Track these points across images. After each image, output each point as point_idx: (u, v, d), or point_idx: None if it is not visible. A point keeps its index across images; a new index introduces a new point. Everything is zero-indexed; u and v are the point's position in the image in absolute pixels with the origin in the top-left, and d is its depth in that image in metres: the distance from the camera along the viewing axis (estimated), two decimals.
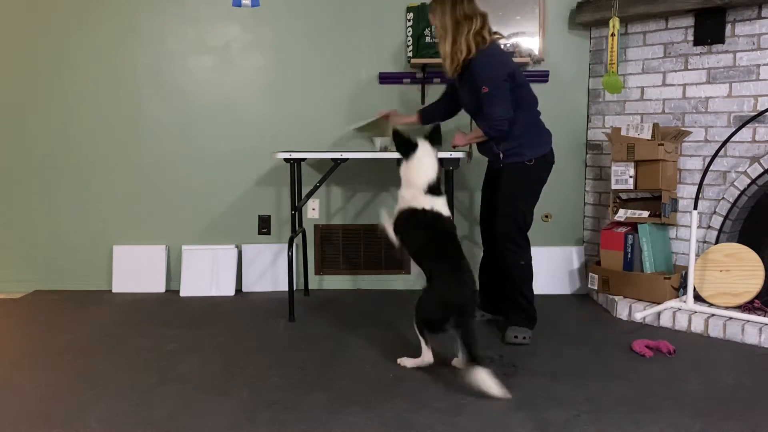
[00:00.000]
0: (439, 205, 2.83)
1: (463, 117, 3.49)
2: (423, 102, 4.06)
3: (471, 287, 2.74)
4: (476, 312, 2.79)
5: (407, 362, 2.81)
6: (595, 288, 3.82)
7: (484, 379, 2.46)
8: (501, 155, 3.17)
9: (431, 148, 2.88)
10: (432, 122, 3.26)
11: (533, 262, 3.23)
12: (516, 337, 3.11)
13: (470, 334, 2.58)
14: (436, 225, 2.80)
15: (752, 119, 3.29)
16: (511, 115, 3.04)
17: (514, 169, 3.15)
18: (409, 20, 3.97)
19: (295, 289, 3.56)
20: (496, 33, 3.15)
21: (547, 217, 4.13)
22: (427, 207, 2.79)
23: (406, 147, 2.86)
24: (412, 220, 2.81)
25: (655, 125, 3.54)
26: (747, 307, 3.27)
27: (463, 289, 2.69)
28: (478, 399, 2.47)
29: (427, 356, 2.77)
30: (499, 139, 3.13)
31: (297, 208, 3.64)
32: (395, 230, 2.88)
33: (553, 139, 3.25)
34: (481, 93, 3.04)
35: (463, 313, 2.63)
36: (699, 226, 3.51)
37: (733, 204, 3.45)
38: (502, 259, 3.20)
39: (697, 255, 3.41)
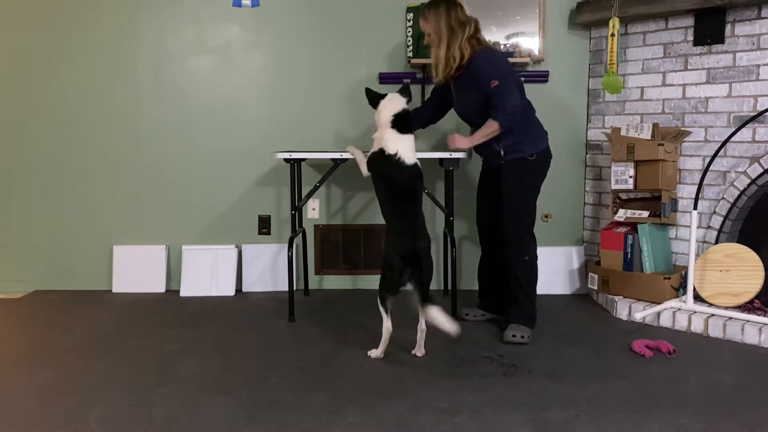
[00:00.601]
0: (405, 147, 2.94)
1: (453, 118, 3.48)
2: (423, 102, 4.05)
3: (423, 241, 2.89)
4: (429, 267, 2.89)
5: (376, 352, 2.91)
6: (595, 288, 3.82)
7: (437, 316, 2.69)
8: (502, 152, 3.16)
9: (400, 95, 3.10)
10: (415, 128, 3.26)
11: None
12: (515, 336, 3.11)
13: (423, 284, 2.78)
14: (399, 177, 2.92)
15: (752, 119, 3.29)
16: (522, 103, 3.09)
17: (516, 166, 3.16)
18: (409, 20, 3.97)
19: (295, 289, 3.56)
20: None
21: (546, 217, 4.13)
22: (392, 151, 2.92)
23: (375, 98, 3.13)
24: (378, 164, 2.99)
25: (655, 125, 3.54)
26: (747, 307, 3.27)
27: (415, 242, 2.84)
28: (477, 399, 2.48)
29: (386, 325, 2.87)
30: (499, 136, 3.12)
31: (297, 208, 3.64)
32: (369, 168, 3.11)
33: (548, 136, 3.26)
34: (489, 89, 3.04)
35: (416, 264, 2.78)
36: (699, 226, 3.51)
37: (733, 204, 3.45)
38: (506, 256, 3.20)
39: (697, 255, 3.41)
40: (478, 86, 3.10)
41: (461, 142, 3.24)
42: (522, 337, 3.11)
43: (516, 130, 3.12)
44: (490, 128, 3.11)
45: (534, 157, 3.16)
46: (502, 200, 3.19)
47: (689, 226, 3.42)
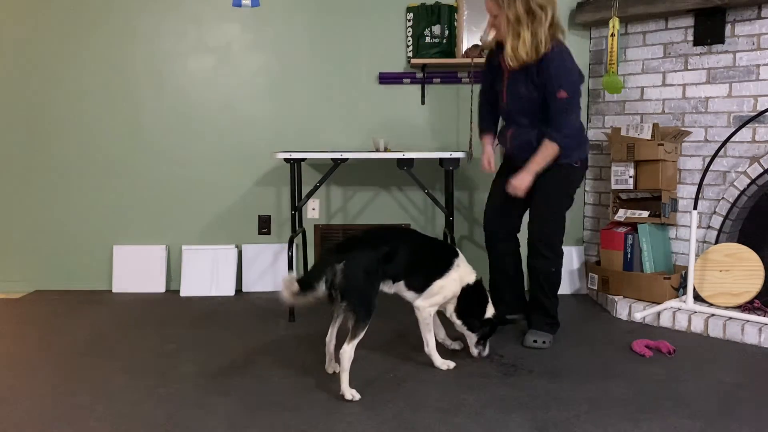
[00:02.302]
0: (463, 268, 2.80)
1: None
2: (423, 102, 4.07)
3: (346, 267, 2.53)
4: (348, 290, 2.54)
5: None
6: (595, 288, 3.82)
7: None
8: None
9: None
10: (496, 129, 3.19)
11: None
12: (536, 341, 3.06)
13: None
14: (402, 236, 2.82)
15: (752, 119, 3.29)
16: (579, 123, 2.95)
17: (561, 171, 2.97)
18: (409, 20, 3.97)
19: None
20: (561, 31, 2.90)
21: None
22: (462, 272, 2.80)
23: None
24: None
25: (655, 125, 3.54)
26: (747, 307, 3.27)
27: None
28: (477, 399, 2.48)
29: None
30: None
31: (297, 208, 3.64)
32: None
33: None
34: (554, 98, 2.82)
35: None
36: (699, 226, 3.51)
37: (733, 204, 3.45)
38: (534, 263, 3.08)
39: (697, 255, 3.41)
40: (541, 87, 2.85)
41: (524, 182, 2.94)
42: (543, 342, 3.06)
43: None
44: (549, 152, 2.88)
45: (579, 164, 3.03)
46: (537, 207, 3.04)
47: (689, 226, 3.42)
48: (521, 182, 2.94)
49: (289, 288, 2.46)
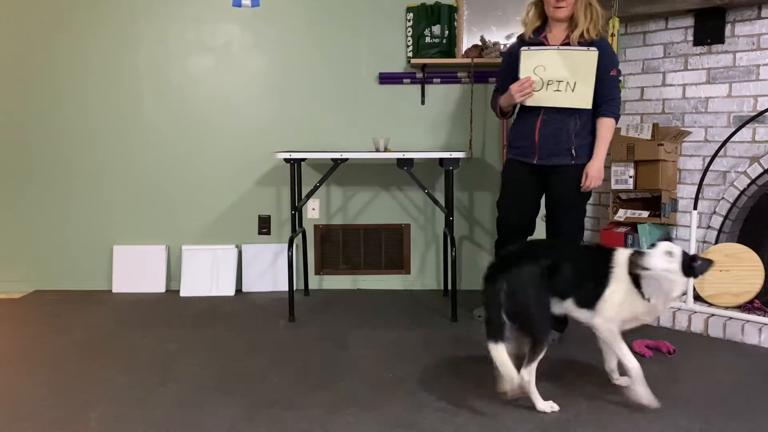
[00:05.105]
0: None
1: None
2: (423, 102, 4.07)
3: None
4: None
5: None
6: None
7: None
8: (574, 152, 2.96)
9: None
10: None
11: None
12: None
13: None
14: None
15: (752, 119, 3.29)
16: None
17: (579, 171, 2.97)
18: (409, 20, 3.97)
19: (295, 289, 3.56)
20: None
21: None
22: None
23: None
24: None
25: (655, 125, 3.54)
26: (747, 307, 3.27)
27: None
28: (478, 399, 2.48)
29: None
30: (572, 129, 2.95)
31: (297, 208, 3.64)
32: None
33: None
34: (608, 74, 2.94)
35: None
36: (699, 226, 3.51)
37: (733, 204, 3.45)
38: None
39: None
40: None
41: (599, 171, 2.96)
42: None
43: (591, 129, 2.98)
44: (609, 129, 2.96)
45: None
46: (559, 207, 3.04)
47: (689, 226, 3.42)
48: (597, 171, 2.96)
49: (510, 377, 2.31)
